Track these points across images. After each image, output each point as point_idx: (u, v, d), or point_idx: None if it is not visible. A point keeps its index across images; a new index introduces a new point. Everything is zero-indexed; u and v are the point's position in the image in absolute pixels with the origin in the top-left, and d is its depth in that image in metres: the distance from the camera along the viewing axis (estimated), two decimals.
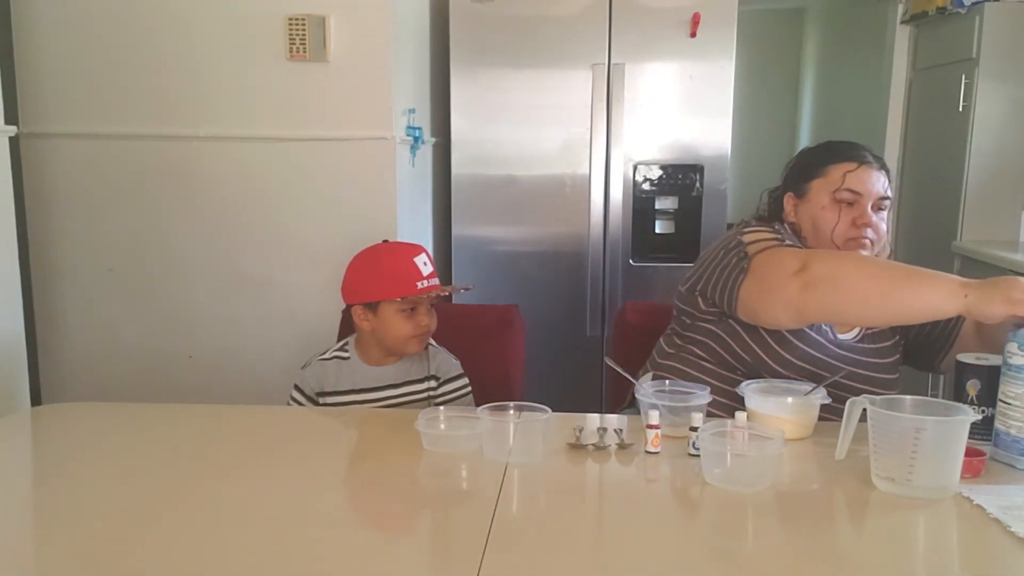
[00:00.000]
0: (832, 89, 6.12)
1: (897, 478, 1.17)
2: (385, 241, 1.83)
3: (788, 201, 1.66)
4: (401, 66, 2.52)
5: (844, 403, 1.26)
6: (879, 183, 1.59)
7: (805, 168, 1.65)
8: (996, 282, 1.27)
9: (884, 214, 1.61)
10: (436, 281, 1.74)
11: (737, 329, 1.57)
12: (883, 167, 1.62)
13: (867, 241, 1.58)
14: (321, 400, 1.77)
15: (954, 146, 3.30)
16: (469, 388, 1.80)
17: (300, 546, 1.05)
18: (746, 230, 1.59)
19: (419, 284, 1.69)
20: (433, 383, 1.77)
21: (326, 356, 1.80)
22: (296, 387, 1.78)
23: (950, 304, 1.28)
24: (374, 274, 1.72)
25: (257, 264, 2.50)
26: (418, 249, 1.75)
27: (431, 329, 1.75)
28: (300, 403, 1.77)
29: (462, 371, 1.80)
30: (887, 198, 1.61)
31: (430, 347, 1.79)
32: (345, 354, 1.79)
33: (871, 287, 1.35)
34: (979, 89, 3.17)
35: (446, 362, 1.79)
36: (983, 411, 1.32)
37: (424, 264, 1.71)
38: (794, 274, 1.39)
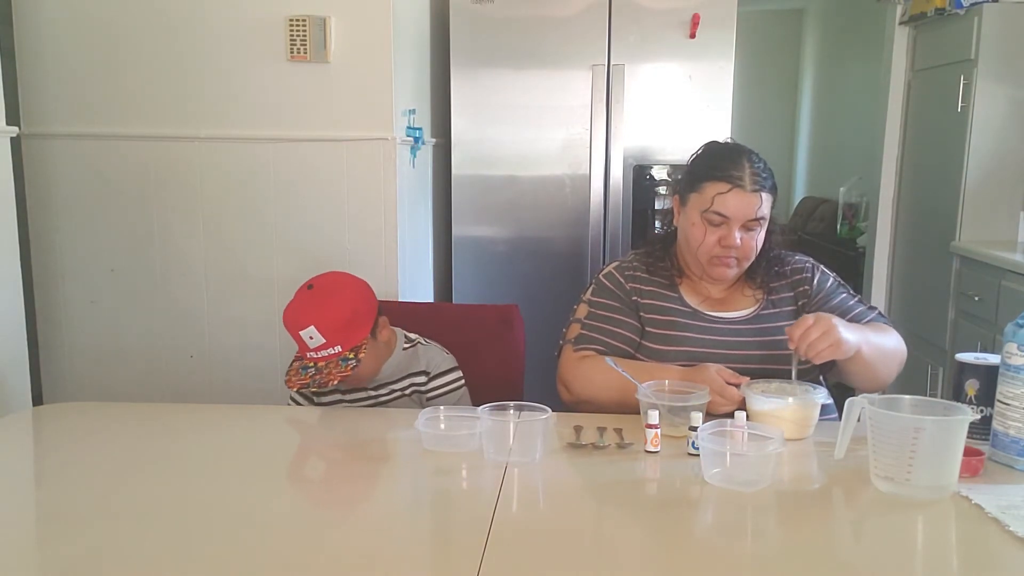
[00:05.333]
0: (831, 90, 6.13)
1: (896, 478, 1.17)
2: (309, 287, 1.67)
3: (675, 203, 1.72)
4: (401, 67, 2.53)
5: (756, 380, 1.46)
6: (750, 207, 1.58)
7: (689, 178, 1.67)
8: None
9: (757, 231, 1.62)
10: (329, 352, 1.62)
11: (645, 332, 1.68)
12: (761, 188, 1.58)
13: (731, 260, 1.62)
14: (317, 400, 1.77)
15: (953, 147, 3.30)
16: (462, 381, 1.79)
17: (300, 545, 1.05)
18: (583, 298, 1.74)
19: (305, 354, 1.65)
20: (423, 378, 1.77)
21: None
22: None
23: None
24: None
25: (258, 264, 2.50)
26: (305, 322, 1.61)
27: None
28: (299, 403, 1.77)
29: (455, 364, 1.80)
30: (759, 219, 1.60)
31: (419, 344, 1.80)
32: None
33: (611, 396, 1.55)
34: (977, 90, 3.18)
35: (436, 356, 1.79)
36: (981, 411, 1.33)
37: (310, 338, 1.61)
38: (562, 382, 1.65)
